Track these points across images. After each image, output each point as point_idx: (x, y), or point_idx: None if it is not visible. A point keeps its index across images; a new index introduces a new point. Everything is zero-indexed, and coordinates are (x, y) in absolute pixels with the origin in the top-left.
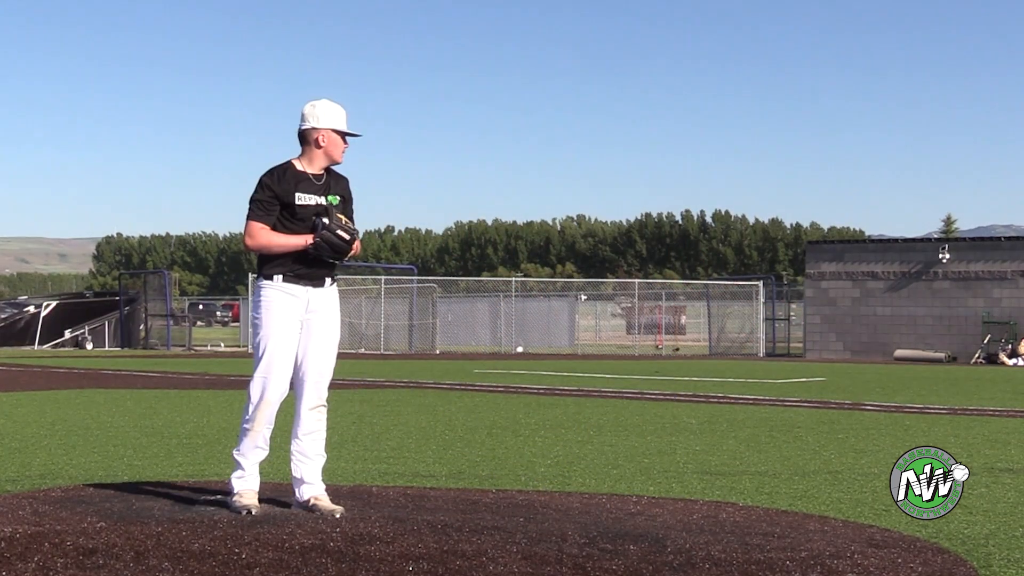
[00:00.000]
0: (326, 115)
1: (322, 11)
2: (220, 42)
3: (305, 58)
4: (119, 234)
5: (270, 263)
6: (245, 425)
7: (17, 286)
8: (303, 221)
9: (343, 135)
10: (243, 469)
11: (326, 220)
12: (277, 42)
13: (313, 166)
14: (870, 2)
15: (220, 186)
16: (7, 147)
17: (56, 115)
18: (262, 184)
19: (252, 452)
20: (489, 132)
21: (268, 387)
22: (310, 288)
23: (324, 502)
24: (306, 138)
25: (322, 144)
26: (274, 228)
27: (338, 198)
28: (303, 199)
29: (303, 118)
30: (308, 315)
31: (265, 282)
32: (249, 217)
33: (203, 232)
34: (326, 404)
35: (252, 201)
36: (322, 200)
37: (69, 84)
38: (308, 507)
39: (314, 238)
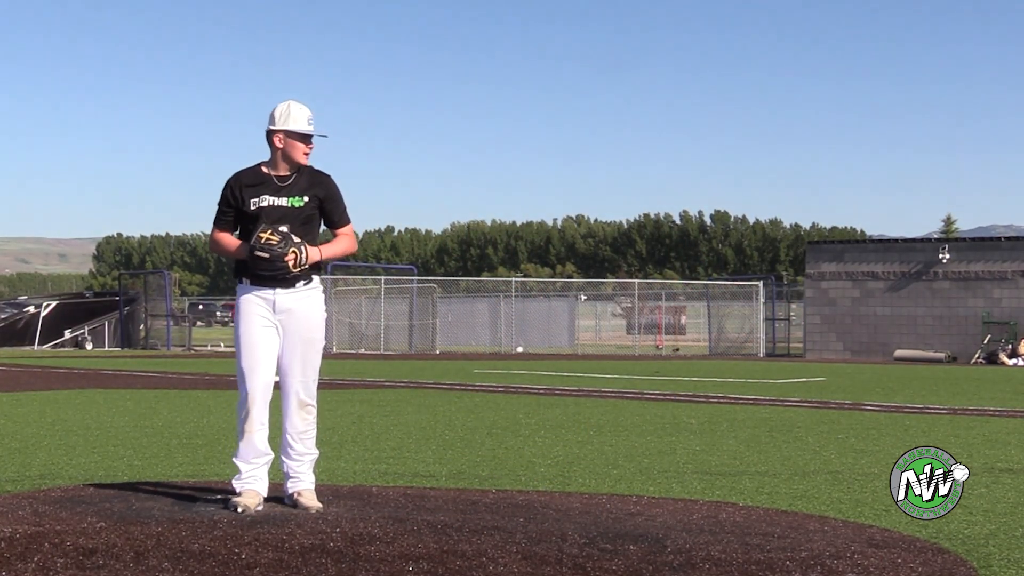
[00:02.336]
0: (283, 117)
1: (323, 11)
2: (221, 42)
3: (306, 58)
4: (119, 234)
5: (240, 266)
6: (238, 427)
7: (17, 286)
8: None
9: (302, 137)
10: (242, 472)
11: (260, 233)
12: (277, 42)
13: (278, 168)
14: (869, 3)
15: (220, 187)
16: (7, 147)
17: (56, 115)
18: (223, 190)
19: (248, 454)
20: (489, 132)
21: (247, 385)
22: (278, 290)
23: (306, 497)
24: (268, 140)
25: (279, 146)
26: (235, 233)
27: (304, 199)
28: (257, 203)
29: (268, 120)
30: (279, 316)
31: (239, 285)
32: (213, 223)
33: (203, 232)
34: (313, 404)
35: (217, 207)
36: (281, 201)
37: (69, 84)
38: (292, 502)
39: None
